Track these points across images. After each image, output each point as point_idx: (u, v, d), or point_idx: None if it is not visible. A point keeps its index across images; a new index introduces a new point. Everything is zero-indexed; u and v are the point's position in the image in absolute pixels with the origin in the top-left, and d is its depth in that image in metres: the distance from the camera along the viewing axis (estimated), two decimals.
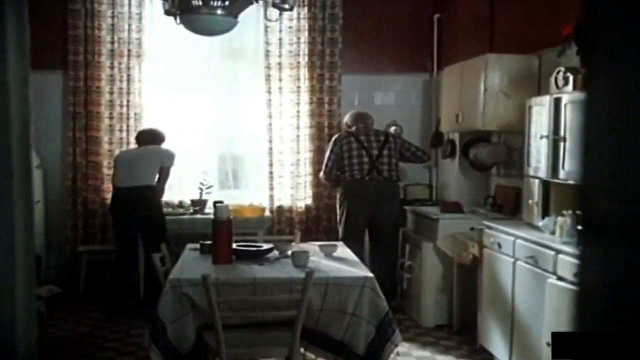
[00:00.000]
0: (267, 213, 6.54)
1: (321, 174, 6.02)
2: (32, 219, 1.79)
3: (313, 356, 3.91)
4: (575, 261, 3.51)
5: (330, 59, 6.80)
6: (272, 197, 6.80)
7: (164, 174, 5.85)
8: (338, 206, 5.92)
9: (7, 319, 1.48)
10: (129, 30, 6.57)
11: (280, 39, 6.72)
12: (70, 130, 6.60)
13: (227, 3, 4.26)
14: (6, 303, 1.48)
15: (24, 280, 1.64)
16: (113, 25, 6.56)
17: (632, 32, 0.83)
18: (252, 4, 4.46)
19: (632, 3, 0.82)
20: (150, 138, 6.00)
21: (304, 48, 6.76)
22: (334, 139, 5.97)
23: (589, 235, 0.92)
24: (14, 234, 1.53)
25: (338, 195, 5.95)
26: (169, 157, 5.87)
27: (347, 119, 6.14)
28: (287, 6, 4.39)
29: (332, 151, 5.84)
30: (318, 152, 6.78)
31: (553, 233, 4.00)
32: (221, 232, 3.98)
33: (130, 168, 5.79)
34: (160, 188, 5.87)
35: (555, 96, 4.13)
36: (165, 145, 6.04)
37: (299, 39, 6.76)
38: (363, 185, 5.72)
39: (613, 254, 0.87)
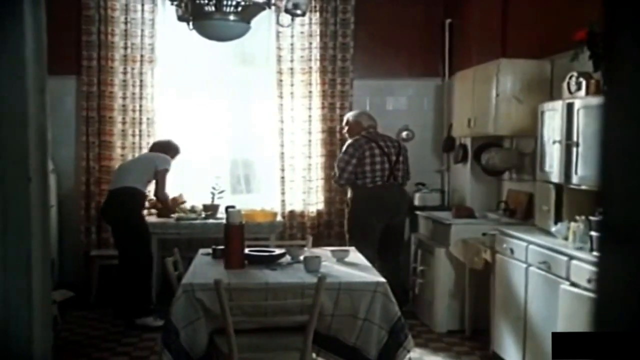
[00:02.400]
0: (279, 217, 6.55)
1: (336, 178, 5.76)
2: (48, 223, 1.81)
3: None
4: (588, 267, 3.50)
5: (342, 63, 6.81)
6: (283, 201, 6.81)
7: (159, 178, 5.73)
8: (351, 211, 5.73)
9: (24, 322, 1.50)
10: (142, 36, 6.61)
11: (292, 44, 6.74)
12: (83, 135, 6.64)
13: (239, 9, 4.28)
14: (23, 307, 1.50)
15: (40, 284, 1.66)
16: (126, 30, 6.60)
17: None
18: (264, 9, 4.48)
19: None
20: (160, 147, 5.99)
21: (316, 53, 6.78)
22: (352, 143, 5.72)
23: (607, 242, 0.92)
24: (30, 238, 1.55)
25: (353, 200, 5.72)
26: (162, 161, 5.77)
27: (358, 117, 5.92)
28: (299, 11, 4.40)
29: (352, 155, 5.64)
30: (329, 157, 6.79)
31: (566, 238, 3.99)
32: (233, 237, 3.99)
33: (120, 172, 5.82)
34: (159, 194, 5.80)
35: (568, 101, 4.12)
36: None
37: (310, 43, 6.77)
38: (384, 191, 5.64)
39: (633, 262, 0.87)
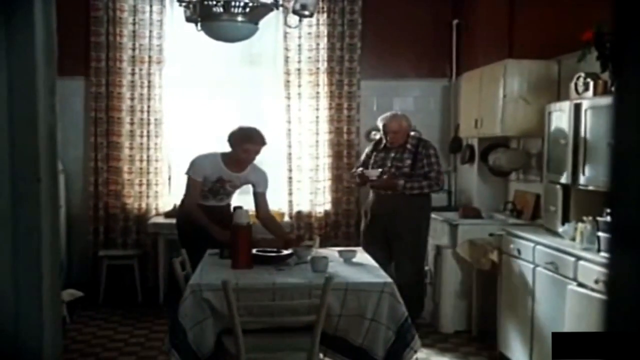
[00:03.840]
0: (286, 218, 6.56)
1: (439, 182, 5.31)
2: (58, 223, 1.82)
3: None
4: (595, 267, 3.49)
5: (349, 64, 6.82)
6: (290, 202, 6.82)
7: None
8: (426, 218, 5.37)
9: (34, 322, 1.51)
10: (150, 37, 6.63)
11: (299, 45, 6.75)
12: (91, 135, 6.67)
13: (247, 10, 4.29)
14: (33, 306, 1.51)
15: (50, 284, 1.67)
16: (134, 31, 6.62)
17: None
18: (272, 10, 4.48)
19: None
20: (230, 140, 4.71)
21: (323, 54, 6.79)
22: (434, 146, 5.45)
23: (617, 243, 0.92)
24: (40, 238, 1.56)
25: (425, 207, 5.33)
26: (189, 165, 4.79)
27: (408, 120, 5.45)
28: (306, 12, 4.41)
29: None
30: (337, 157, 6.80)
31: (573, 239, 3.99)
32: (240, 237, 4.00)
33: None
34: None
35: (575, 101, 4.11)
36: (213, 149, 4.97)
37: (317, 44, 6.78)
38: None
39: None
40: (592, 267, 3.52)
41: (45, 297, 1.60)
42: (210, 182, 4.69)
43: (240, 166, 4.71)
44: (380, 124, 5.40)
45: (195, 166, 4.68)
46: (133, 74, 6.65)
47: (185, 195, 4.76)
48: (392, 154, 5.31)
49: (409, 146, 5.31)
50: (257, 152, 4.68)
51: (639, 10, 0.86)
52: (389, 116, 5.41)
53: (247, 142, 4.59)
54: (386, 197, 5.27)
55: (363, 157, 5.61)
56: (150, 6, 6.62)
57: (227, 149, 4.72)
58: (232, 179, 4.73)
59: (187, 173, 4.69)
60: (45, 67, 1.51)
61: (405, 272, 5.16)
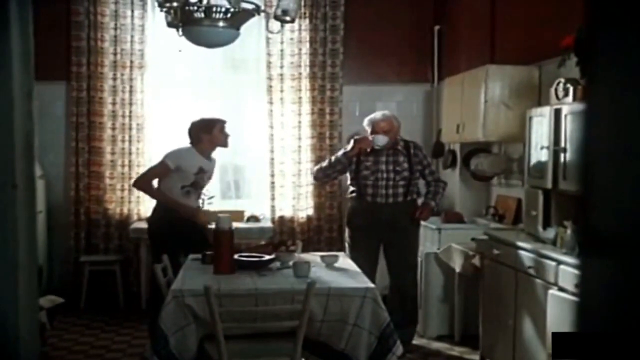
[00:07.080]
0: (269, 223, 6.55)
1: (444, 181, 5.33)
2: (35, 231, 1.80)
3: None
4: (576, 272, 3.51)
5: (331, 69, 6.83)
6: (273, 207, 6.81)
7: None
8: (418, 225, 5.24)
9: (10, 330, 1.49)
10: (132, 42, 6.61)
11: (282, 50, 6.75)
12: (72, 140, 6.63)
13: (228, 15, 4.28)
14: (9, 314, 1.49)
15: (27, 292, 1.65)
16: (115, 36, 6.60)
17: (633, 43, 0.84)
18: (253, 16, 4.48)
19: (633, 13, 0.83)
20: (194, 132, 4.96)
21: (305, 59, 6.79)
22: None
23: (589, 248, 0.93)
24: (17, 246, 1.54)
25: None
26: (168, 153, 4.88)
27: (398, 120, 5.13)
28: (288, 18, 4.41)
29: None
30: (319, 162, 6.79)
31: (554, 243, 4.01)
32: (223, 242, 3.98)
33: None
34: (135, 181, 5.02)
35: (555, 107, 4.14)
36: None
37: (300, 50, 6.79)
38: None
39: (615, 268, 0.88)
40: (573, 271, 3.54)
41: (22, 304, 1.58)
42: (192, 174, 4.80)
43: (208, 154, 4.95)
44: (367, 125, 5.02)
45: (172, 154, 4.83)
46: (115, 78, 6.62)
47: (141, 176, 4.95)
48: (384, 157, 4.97)
49: (399, 148, 5.02)
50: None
51: (609, 12, 0.87)
52: (378, 115, 5.03)
53: (219, 122, 4.98)
54: (383, 205, 4.97)
55: (339, 161, 5.06)
56: (132, 11, 6.59)
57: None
58: (209, 169, 4.94)
59: (165, 159, 4.79)
60: (21, 72, 1.49)
61: (406, 283, 5.10)
